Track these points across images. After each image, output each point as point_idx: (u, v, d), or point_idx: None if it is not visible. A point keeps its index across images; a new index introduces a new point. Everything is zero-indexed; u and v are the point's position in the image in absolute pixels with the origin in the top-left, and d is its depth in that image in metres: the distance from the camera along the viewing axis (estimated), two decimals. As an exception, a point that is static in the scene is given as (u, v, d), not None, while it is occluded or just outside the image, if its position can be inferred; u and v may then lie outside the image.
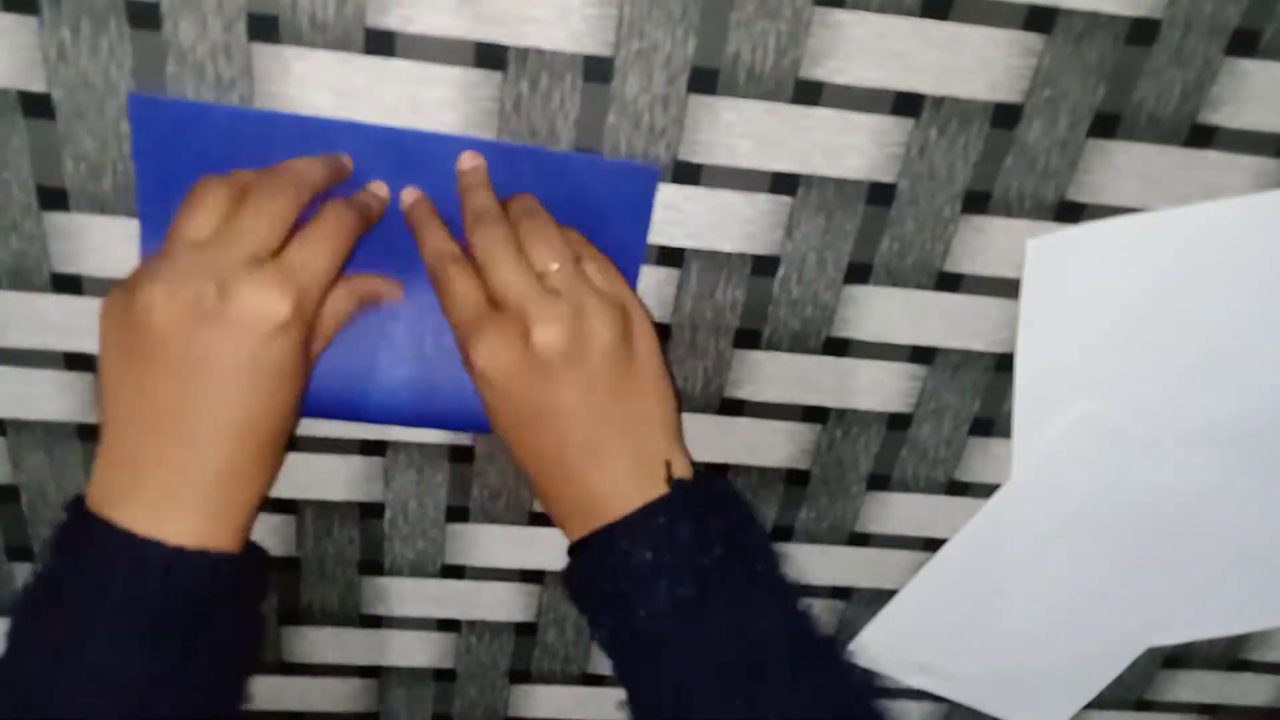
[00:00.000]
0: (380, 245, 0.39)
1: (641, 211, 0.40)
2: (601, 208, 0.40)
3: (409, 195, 0.38)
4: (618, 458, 0.35)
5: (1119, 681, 0.56)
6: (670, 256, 0.42)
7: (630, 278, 0.41)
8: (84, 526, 0.32)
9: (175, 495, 0.32)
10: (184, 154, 0.37)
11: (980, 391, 0.46)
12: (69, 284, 0.40)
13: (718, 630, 0.33)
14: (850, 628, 0.53)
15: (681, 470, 0.36)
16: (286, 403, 0.34)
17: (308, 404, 0.41)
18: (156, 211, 0.38)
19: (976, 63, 0.38)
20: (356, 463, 0.46)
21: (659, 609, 0.33)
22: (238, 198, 0.34)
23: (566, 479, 0.36)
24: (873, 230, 0.42)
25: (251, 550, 0.35)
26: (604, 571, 0.35)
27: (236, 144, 0.37)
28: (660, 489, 0.35)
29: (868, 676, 0.36)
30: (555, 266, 0.35)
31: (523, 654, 0.53)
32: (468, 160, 0.38)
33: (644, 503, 0.34)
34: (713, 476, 0.37)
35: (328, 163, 0.37)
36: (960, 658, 0.53)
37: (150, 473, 0.32)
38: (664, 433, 0.36)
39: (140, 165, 0.38)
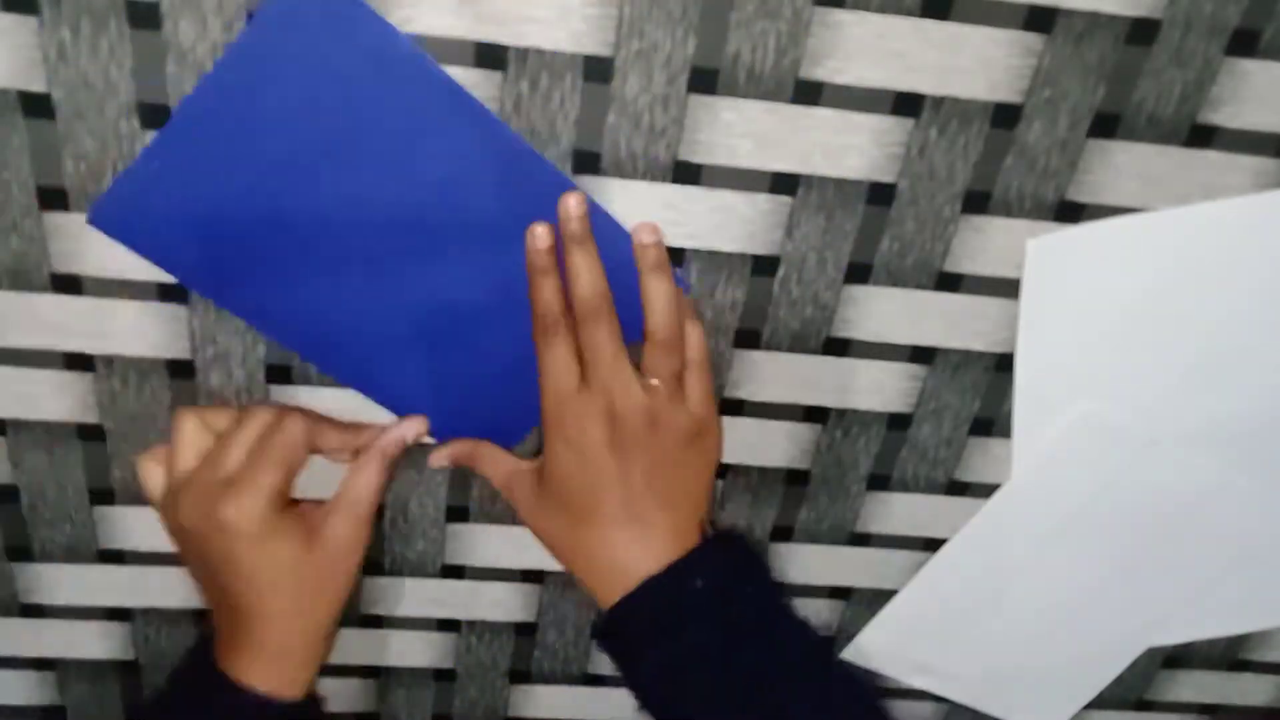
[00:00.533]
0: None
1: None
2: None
3: (542, 240, 0.39)
4: (660, 526, 0.41)
5: (1119, 681, 0.56)
6: (670, 256, 0.41)
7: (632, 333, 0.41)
8: (203, 672, 0.41)
9: (255, 656, 0.40)
10: (165, 219, 0.39)
11: (980, 391, 0.46)
12: (69, 284, 0.40)
13: (767, 644, 0.40)
14: (850, 628, 0.53)
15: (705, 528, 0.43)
16: (297, 578, 0.40)
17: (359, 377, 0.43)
18: (212, 277, 0.40)
19: (976, 63, 0.38)
20: (356, 463, 0.46)
21: (709, 638, 0.39)
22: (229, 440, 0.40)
23: (612, 542, 0.41)
24: (873, 230, 0.42)
25: (313, 698, 0.43)
26: (653, 606, 0.40)
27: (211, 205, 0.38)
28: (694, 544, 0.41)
29: (872, 682, 0.43)
30: (656, 388, 0.40)
31: (523, 654, 0.53)
32: (574, 206, 0.39)
33: (686, 552, 0.41)
34: (731, 536, 0.44)
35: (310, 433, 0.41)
36: (960, 658, 0.53)
37: (233, 639, 0.41)
38: (698, 509, 0.42)
39: (149, 255, 0.40)
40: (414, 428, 0.43)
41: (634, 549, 0.40)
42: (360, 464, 0.42)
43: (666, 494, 0.41)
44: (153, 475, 0.42)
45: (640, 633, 0.40)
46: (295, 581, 0.40)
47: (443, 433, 0.45)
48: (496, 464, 0.44)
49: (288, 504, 0.40)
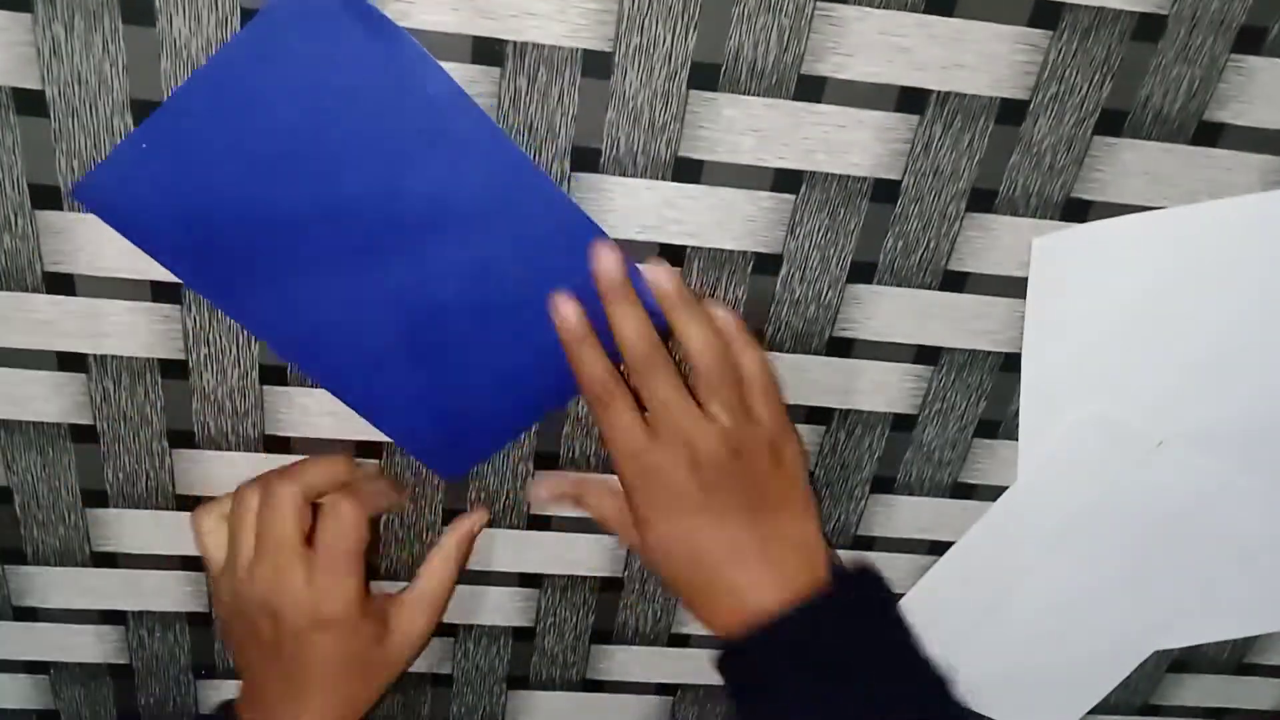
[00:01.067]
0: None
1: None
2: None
3: (568, 314, 0.39)
4: (769, 560, 0.39)
5: (1125, 686, 0.55)
6: (671, 254, 0.41)
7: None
8: None
9: None
10: (150, 200, 0.38)
11: (986, 392, 0.46)
12: (62, 283, 0.40)
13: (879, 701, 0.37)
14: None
15: (833, 565, 0.40)
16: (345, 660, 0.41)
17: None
18: (191, 263, 0.39)
19: (981, 58, 0.38)
20: (353, 465, 0.45)
21: (827, 690, 0.37)
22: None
23: (732, 584, 0.39)
24: (877, 228, 0.41)
25: None
26: (785, 645, 0.38)
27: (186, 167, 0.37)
28: (819, 582, 0.39)
29: None
30: (724, 418, 0.39)
31: (521, 659, 0.52)
32: (610, 262, 0.39)
33: (812, 594, 0.38)
34: (863, 569, 0.41)
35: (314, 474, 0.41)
36: (966, 662, 0.53)
37: (269, 707, 0.41)
38: (816, 540, 0.40)
39: (136, 238, 0.39)
40: (480, 519, 0.45)
41: (756, 587, 0.38)
42: (436, 559, 0.44)
43: (771, 519, 0.39)
44: (215, 535, 0.42)
45: (773, 671, 0.38)
46: (356, 667, 0.41)
47: (420, 441, 0.44)
48: (603, 501, 0.44)
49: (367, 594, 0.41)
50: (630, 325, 0.38)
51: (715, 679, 0.53)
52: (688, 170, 0.39)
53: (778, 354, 0.44)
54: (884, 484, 0.48)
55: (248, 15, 0.35)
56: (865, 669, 0.37)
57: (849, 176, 0.40)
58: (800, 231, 0.41)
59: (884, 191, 0.40)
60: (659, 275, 0.39)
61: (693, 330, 0.39)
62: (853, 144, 0.39)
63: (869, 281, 0.43)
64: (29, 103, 0.36)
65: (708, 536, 0.39)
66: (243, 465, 0.45)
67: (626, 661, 0.53)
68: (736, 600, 0.39)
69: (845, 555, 0.50)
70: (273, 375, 0.43)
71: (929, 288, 0.43)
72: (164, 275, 0.40)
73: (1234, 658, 0.56)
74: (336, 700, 0.41)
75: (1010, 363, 0.45)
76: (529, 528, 0.48)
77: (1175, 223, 0.42)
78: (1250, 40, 0.38)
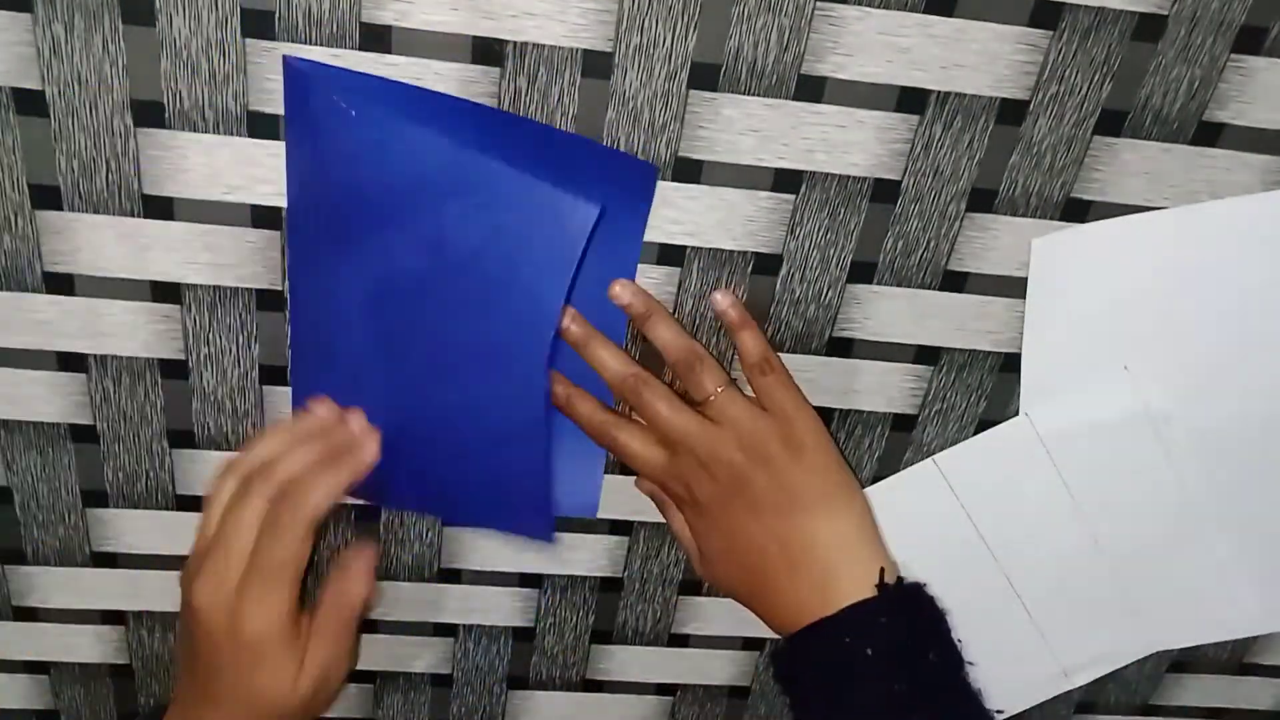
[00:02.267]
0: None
1: (640, 207, 0.39)
2: (601, 195, 0.38)
3: (558, 392, 0.41)
4: (807, 569, 0.39)
5: (1125, 686, 0.55)
6: (671, 254, 0.41)
7: (628, 272, 0.41)
8: None
9: None
10: (333, 128, 0.36)
11: (986, 392, 0.46)
12: (62, 283, 0.40)
13: None
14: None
15: (890, 574, 0.39)
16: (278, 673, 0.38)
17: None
18: (305, 199, 0.38)
19: (981, 58, 0.38)
20: (353, 465, 0.45)
21: (874, 704, 0.37)
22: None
23: (765, 593, 0.40)
24: (877, 228, 0.41)
25: None
26: (825, 663, 0.38)
27: (383, 117, 0.36)
28: (870, 591, 0.38)
29: None
30: (718, 390, 0.40)
31: (520, 659, 0.52)
32: (627, 295, 0.40)
33: (859, 600, 0.38)
34: (916, 585, 0.40)
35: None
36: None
37: None
38: (858, 541, 0.40)
39: (292, 138, 0.37)
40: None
41: (798, 603, 0.39)
42: (326, 624, 0.40)
43: (805, 520, 0.39)
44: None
45: (813, 681, 0.38)
46: (262, 703, 0.38)
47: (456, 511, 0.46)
48: (673, 521, 0.44)
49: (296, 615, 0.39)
50: (605, 356, 0.40)
51: (715, 679, 0.53)
52: (688, 170, 0.39)
53: (778, 354, 0.44)
54: (884, 484, 0.48)
55: (248, 15, 0.35)
56: (902, 703, 0.36)
57: (849, 176, 0.40)
58: (800, 231, 0.41)
59: (884, 191, 0.40)
60: (619, 291, 0.40)
61: (659, 330, 0.40)
62: (853, 144, 0.39)
63: (869, 281, 0.43)
64: (29, 103, 0.36)
65: (744, 543, 0.39)
66: (243, 465, 0.45)
67: (626, 661, 0.53)
68: (786, 610, 0.39)
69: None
70: (272, 375, 0.43)
71: (929, 288, 0.43)
72: (163, 275, 0.40)
73: (1234, 658, 0.56)
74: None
75: (1010, 363, 0.45)
76: (529, 528, 0.48)
77: (1175, 223, 0.42)
78: (1250, 40, 0.38)
